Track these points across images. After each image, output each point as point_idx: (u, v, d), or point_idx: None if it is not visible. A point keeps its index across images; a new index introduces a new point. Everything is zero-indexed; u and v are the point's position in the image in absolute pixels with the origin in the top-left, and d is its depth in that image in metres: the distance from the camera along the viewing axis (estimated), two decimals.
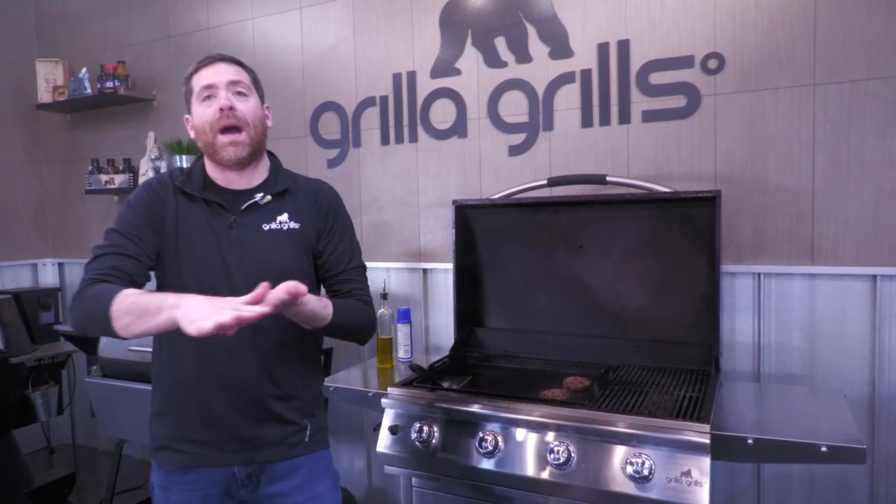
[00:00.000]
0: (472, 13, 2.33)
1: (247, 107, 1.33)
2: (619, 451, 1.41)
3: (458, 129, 2.39)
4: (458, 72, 2.37)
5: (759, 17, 1.93)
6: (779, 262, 1.94)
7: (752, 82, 1.95)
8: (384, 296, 2.22)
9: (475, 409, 1.57)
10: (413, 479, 1.70)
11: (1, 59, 3.32)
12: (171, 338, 1.29)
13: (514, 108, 2.29)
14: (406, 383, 1.72)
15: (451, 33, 2.37)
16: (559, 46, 2.19)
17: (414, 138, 2.48)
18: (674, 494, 1.32)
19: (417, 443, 1.60)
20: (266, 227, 1.37)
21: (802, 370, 1.94)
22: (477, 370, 1.97)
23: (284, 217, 1.39)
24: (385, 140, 2.53)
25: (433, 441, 1.60)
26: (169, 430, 1.38)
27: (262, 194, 1.38)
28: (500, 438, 1.53)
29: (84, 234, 3.42)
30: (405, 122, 2.49)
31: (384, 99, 2.52)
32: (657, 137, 2.07)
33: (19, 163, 3.42)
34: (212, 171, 1.40)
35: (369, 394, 1.82)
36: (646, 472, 1.35)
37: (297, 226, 1.40)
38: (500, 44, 2.29)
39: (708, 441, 1.33)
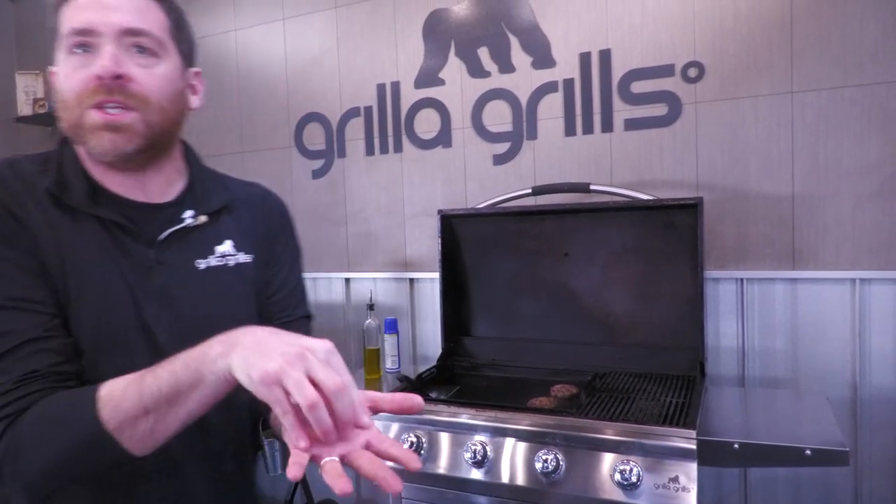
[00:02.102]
0: (456, 23, 2.34)
1: (150, 75, 0.81)
2: (608, 459, 1.41)
3: (443, 138, 2.40)
4: (441, 82, 2.38)
5: (737, 27, 1.96)
6: (761, 268, 1.97)
7: (732, 90, 1.98)
8: (371, 306, 2.21)
9: (463, 419, 1.57)
10: (402, 490, 1.69)
11: None
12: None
13: (498, 117, 2.30)
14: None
15: (435, 43, 2.38)
16: (542, 56, 2.21)
17: (399, 148, 2.48)
18: (662, 501, 1.33)
19: None
20: (202, 264, 0.90)
21: (786, 374, 1.96)
22: (464, 380, 1.97)
23: (228, 247, 0.92)
24: (370, 150, 2.54)
25: (422, 452, 1.60)
26: None
27: (191, 212, 0.90)
28: (488, 448, 1.53)
29: None
30: (390, 131, 2.49)
31: (368, 109, 2.52)
32: (640, 145, 2.09)
33: None
34: (94, 169, 0.86)
35: None
36: (634, 479, 1.35)
37: (248, 258, 0.94)
38: (484, 54, 2.30)
39: (694, 447, 1.34)
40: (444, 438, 1.59)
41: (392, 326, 2.18)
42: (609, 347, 1.94)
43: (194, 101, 0.92)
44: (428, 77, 2.40)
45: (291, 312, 1.00)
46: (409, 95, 2.44)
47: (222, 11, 2.79)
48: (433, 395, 1.77)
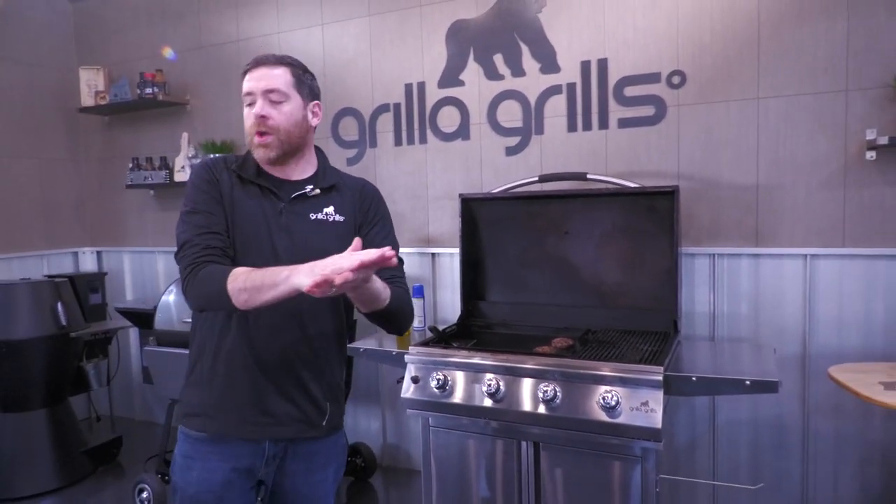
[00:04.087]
0: (474, 33, 2.71)
1: (279, 114, 1.37)
2: (595, 390, 1.81)
3: (462, 132, 2.77)
4: (461, 83, 2.76)
5: (714, 41, 2.32)
6: (730, 245, 2.35)
7: (709, 95, 2.34)
8: None
9: (482, 361, 1.97)
10: (430, 419, 2.09)
11: (44, 67, 3.67)
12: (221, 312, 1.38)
13: (510, 115, 2.68)
14: (424, 343, 2.11)
15: (456, 49, 2.75)
16: (548, 63, 2.58)
17: (423, 140, 2.86)
18: (636, 419, 1.73)
19: (435, 389, 1.99)
20: (313, 216, 1.42)
21: (749, 334, 2.35)
22: (481, 335, 2.36)
23: (331, 209, 1.44)
24: (398, 141, 2.92)
25: (447, 388, 1.99)
26: (205, 398, 1.41)
27: (311, 186, 1.44)
28: (501, 383, 1.92)
29: (120, 226, 3.79)
30: (416, 125, 2.87)
31: (397, 106, 2.90)
32: (630, 141, 2.47)
33: (62, 161, 3.78)
34: (263, 162, 1.45)
35: (393, 353, 2.22)
36: (614, 404, 1.75)
37: (341, 219, 1.45)
38: (498, 60, 2.67)
39: (661, 378, 1.73)
40: (466, 377, 1.99)
41: (419, 292, 2.57)
42: (601, 310, 2.33)
43: (314, 120, 1.47)
44: (449, 78, 2.78)
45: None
46: (433, 94, 2.82)
47: (267, 17, 3.17)
48: (455, 344, 2.16)
